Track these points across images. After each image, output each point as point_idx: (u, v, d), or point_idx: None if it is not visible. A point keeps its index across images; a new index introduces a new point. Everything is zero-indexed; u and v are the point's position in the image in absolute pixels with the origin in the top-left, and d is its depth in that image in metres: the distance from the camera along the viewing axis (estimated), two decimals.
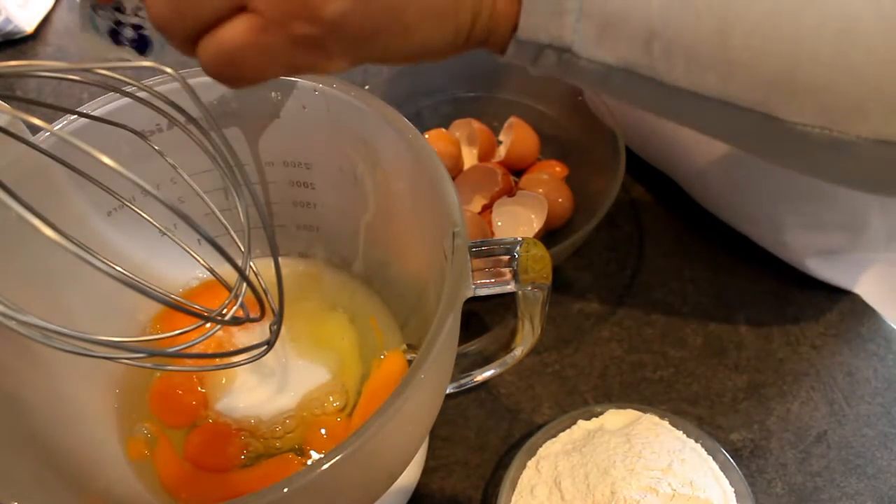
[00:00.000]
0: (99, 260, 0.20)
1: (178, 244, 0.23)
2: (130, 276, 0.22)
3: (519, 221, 0.54)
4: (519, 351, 0.38)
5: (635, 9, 0.29)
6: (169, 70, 0.24)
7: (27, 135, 0.30)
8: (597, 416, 0.44)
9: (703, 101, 0.30)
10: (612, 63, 0.30)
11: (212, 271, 0.31)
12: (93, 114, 0.33)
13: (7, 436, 0.29)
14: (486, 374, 0.40)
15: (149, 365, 0.38)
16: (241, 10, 0.24)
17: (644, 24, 0.29)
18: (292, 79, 0.35)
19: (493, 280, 0.32)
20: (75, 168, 0.19)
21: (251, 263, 0.31)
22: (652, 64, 0.30)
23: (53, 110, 0.31)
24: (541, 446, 0.43)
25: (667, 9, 0.28)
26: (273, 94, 0.36)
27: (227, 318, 0.29)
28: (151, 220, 0.33)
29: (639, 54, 0.29)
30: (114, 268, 0.21)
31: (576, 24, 0.29)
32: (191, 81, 0.26)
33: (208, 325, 0.31)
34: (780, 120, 0.30)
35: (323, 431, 0.37)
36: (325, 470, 0.24)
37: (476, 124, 0.59)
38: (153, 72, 0.26)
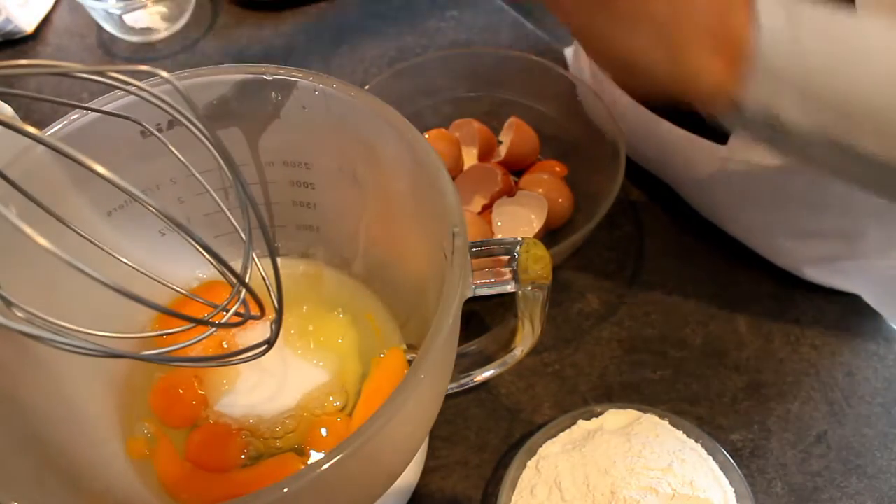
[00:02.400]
0: (101, 268, 0.20)
1: (188, 240, 0.23)
2: (127, 288, 0.22)
3: (519, 221, 0.54)
4: (519, 351, 0.38)
5: (830, 84, 0.30)
6: (164, 73, 0.24)
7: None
8: (597, 416, 0.44)
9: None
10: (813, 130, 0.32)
11: (216, 267, 0.31)
12: (99, 108, 0.33)
13: (7, 436, 0.29)
14: (486, 374, 0.40)
15: (151, 354, 0.37)
16: None
17: (839, 98, 0.31)
18: (292, 78, 0.35)
19: (493, 280, 0.32)
20: (83, 163, 0.19)
21: (253, 254, 0.31)
22: (848, 133, 0.31)
23: (57, 104, 0.31)
24: (541, 446, 0.43)
25: (856, 89, 0.30)
26: (273, 94, 0.36)
27: (224, 320, 0.29)
28: (160, 216, 0.33)
29: (835, 122, 0.31)
30: (111, 274, 0.21)
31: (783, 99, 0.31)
32: (188, 83, 0.26)
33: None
34: None
35: (323, 431, 0.37)
36: (325, 470, 0.24)
37: (476, 124, 0.59)
38: (150, 75, 0.26)
